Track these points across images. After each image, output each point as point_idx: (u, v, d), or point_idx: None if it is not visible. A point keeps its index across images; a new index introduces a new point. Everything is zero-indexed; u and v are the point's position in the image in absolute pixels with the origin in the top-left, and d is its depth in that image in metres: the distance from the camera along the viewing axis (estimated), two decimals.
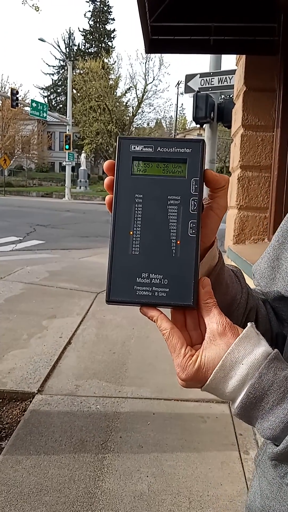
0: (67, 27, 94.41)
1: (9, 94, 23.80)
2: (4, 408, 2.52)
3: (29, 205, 20.37)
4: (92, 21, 51.46)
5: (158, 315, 0.53)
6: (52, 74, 55.53)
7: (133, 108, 37.27)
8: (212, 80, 7.95)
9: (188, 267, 0.51)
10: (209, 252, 0.58)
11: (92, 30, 51.41)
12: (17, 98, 22.95)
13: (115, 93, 36.05)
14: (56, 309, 4.25)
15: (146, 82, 35.87)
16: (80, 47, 52.76)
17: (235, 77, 4.15)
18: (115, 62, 46.54)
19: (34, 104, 25.05)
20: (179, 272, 0.52)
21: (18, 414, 2.46)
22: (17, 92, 23.62)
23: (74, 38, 68.06)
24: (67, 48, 53.75)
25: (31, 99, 26.28)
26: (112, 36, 52.08)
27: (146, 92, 36.06)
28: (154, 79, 41.97)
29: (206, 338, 0.51)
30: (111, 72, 37.13)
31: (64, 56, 47.61)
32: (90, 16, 51.66)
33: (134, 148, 0.53)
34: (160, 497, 1.86)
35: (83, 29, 54.07)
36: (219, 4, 3.26)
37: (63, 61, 50.56)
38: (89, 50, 50.99)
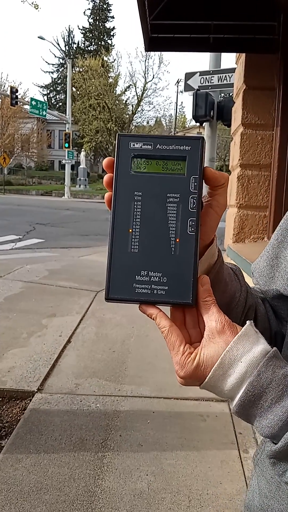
0: (67, 25, 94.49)
1: (8, 92, 23.75)
2: (4, 406, 2.52)
3: (28, 203, 20.36)
4: (91, 19, 51.38)
5: (157, 313, 0.53)
6: (52, 72, 55.47)
7: (132, 106, 37.28)
8: (212, 78, 7.94)
9: (187, 265, 0.51)
10: (208, 250, 0.58)
11: (91, 28, 51.33)
12: (16, 96, 22.91)
13: (114, 91, 36.03)
14: (55, 308, 4.25)
15: (145, 80, 35.89)
16: (79, 45, 52.71)
17: (235, 75, 4.15)
18: (114, 60, 46.57)
19: (33, 102, 25.01)
20: (178, 270, 0.51)
21: (18, 412, 2.46)
22: (17, 90, 23.59)
23: (73, 36, 67.92)
24: (67, 46, 53.71)
25: (31, 97, 26.23)
26: (111, 34, 52.02)
27: (146, 90, 36.07)
28: (153, 77, 42.01)
29: (205, 336, 0.51)
30: (111, 70, 37.11)
31: (63, 54, 47.58)
32: (89, 14, 51.59)
33: (134, 145, 0.53)
34: (159, 495, 1.86)
35: (83, 27, 54.00)
36: (219, 2, 3.25)
37: (62, 59, 50.49)
38: (89, 48, 50.91)
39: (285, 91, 3.36)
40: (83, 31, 51.89)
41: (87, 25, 51.84)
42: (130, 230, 0.52)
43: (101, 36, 51.19)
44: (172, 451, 2.15)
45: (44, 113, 25.82)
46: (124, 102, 37.59)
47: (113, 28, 52.53)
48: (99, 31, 51.09)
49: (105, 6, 51.03)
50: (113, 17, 56.44)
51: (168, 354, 0.53)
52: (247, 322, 0.51)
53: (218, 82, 7.88)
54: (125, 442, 2.21)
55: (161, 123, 44.74)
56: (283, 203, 3.46)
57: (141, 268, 0.52)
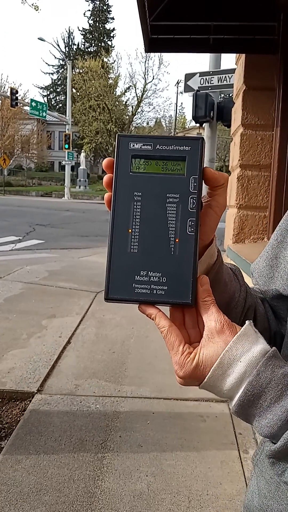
0: (67, 26, 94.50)
1: (8, 93, 23.79)
2: (3, 407, 2.52)
3: (28, 204, 20.36)
4: (91, 20, 51.46)
5: (156, 313, 0.53)
6: (52, 74, 55.56)
7: (132, 107, 37.28)
8: (212, 79, 7.95)
9: (187, 265, 0.51)
10: (208, 250, 0.58)
11: (91, 29, 51.40)
12: (16, 97, 22.93)
13: (114, 92, 36.04)
14: (55, 309, 4.25)
15: (145, 81, 35.87)
16: (79, 46, 52.78)
17: (235, 76, 4.15)
18: (114, 61, 46.57)
19: (33, 104, 25.03)
20: (177, 270, 0.51)
21: (17, 413, 2.46)
22: (17, 92, 23.62)
23: (73, 37, 68.14)
24: (67, 47, 53.76)
25: (31, 99, 26.27)
26: (111, 35, 52.09)
27: (146, 91, 36.06)
28: (153, 78, 41.96)
29: (204, 336, 0.51)
30: (111, 71, 37.12)
31: (63, 56, 47.63)
32: (89, 15, 51.68)
33: (133, 146, 0.53)
34: (159, 496, 1.86)
35: (83, 28, 54.12)
36: (219, 3, 3.25)
37: (62, 61, 50.56)
38: (89, 49, 50.98)
39: (285, 91, 3.36)
40: (83, 33, 51.98)
41: (87, 27, 51.98)
42: (130, 230, 0.52)
43: (101, 37, 51.26)
44: (172, 451, 2.15)
45: (44, 114, 25.84)
46: (124, 103, 37.61)
47: (113, 29, 52.63)
48: (99, 33, 51.16)
49: (105, 8, 51.11)
50: (113, 18, 56.62)
51: (168, 355, 0.53)
52: (246, 322, 0.51)
53: (218, 82, 7.89)
54: (125, 443, 2.21)
55: (161, 124, 44.77)
56: (283, 203, 3.46)
57: (141, 268, 0.52)
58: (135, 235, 0.52)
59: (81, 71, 35.33)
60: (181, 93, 37.01)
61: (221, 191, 0.55)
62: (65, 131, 29.82)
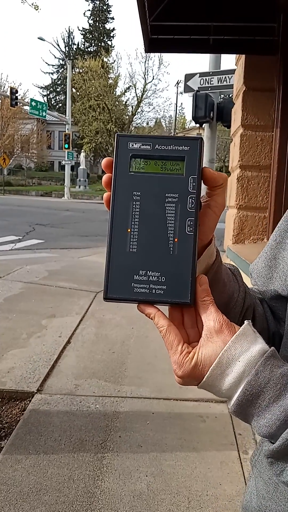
0: (67, 26, 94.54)
1: (8, 93, 23.78)
2: (3, 407, 2.52)
3: (28, 204, 20.36)
4: (91, 20, 51.47)
5: (155, 313, 0.53)
6: (52, 73, 55.58)
7: (132, 107, 37.30)
8: (212, 79, 7.95)
9: (186, 265, 0.51)
10: (207, 250, 0.58)
11: (91, 29, 51.41)
12: (16, 97, 22.92)
13: (114, 92, 36.05)
14: (55, 309, 4.25)
15: (145, 81, 35.89)
16: (79, 46, 52.80)
17: (235, 76, 4.15)
18: (114, 61, 46.53)
19: (33, 103, 25.02)
20: (176, 270, 0.52)
21: (17, 413, 2.46)
22: (17, 91, 23.60)
23: (73, 37, 68.19)
24: (67, 47, 53.78)
25: (31, 98, 26.26)
26: (111, 35, 52.11)
27: (146, 91, 36.08)
28: (153, 79, 41.99)
29: (203, 336, 0.51)
30: (111, 71, 37.14)
31: (63, 55, 47.65)
32: (89, 15, 51.69)
33: (132, 145, 0.53)
34: (159, 496, 1.86)
35: (83, 28, 54.13)
36: (219, 4, 3.25)
37: (62, 60, 50.58)
38: (89, 49, 51.00)
39: (285, 92, 3.37)
40: (83, 32, 52.00)
41: (87, 26, 52.01)
42: (129, 230, 0.52)
43: (101, 37, 51.28)
44: (171, 452, 2.15)
45: (44, 114, 25.83)
46: (124, 103, 37.63)
47: (113, 29, 52.65)
48: (99, 32, 51.17)
49: (105, 7, 51.13)
50: (113, 18, 56.64)
51: (167, 355, 0.53)
52: (245, 321, 0.51)
53: (218, 83, 7.90)
54: (125, 443, 2.21)
55: (161, 124, 44.79)
56: (282, 204, 3.46)
57: (140, 268, 0.52)
58: (134, 235, 0.52)
59: (81, 71, 35.33)
60: (181, 93, 37.05)
61: (220, 191, 0.56)
62: (65, 131, 29.81)
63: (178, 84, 36.92)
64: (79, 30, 62.25)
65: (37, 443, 2.17)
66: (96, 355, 3.22)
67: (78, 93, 35.03)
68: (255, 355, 0.49)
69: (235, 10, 3.26)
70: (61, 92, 52.53)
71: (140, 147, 0.53)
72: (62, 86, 50.50)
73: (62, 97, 51.35)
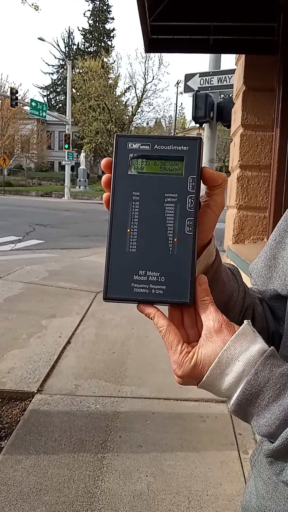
0: (67, 26, 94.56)
1: (8, 93, 23.79)
2: (3, 407, 2.52)
3: (28, 204, 20.37)
4: (91, 20, 51.48)
5: (155, 312, 0.53)
6: (52, 74, 55.57)
7: (132, 108, 37.31)
8: (212, 79, 7.95)
9: (185, 265, 0.51)
10: (206, 249, 0.58)
11: (91, 29, 51.42)
12: (16, 97, 22.94)
13: (114, 93, 36.07)
14: (55, 309, 4.25)
15: (145, 81, 35.90)
16: (79, 46, 52.81)
17: (235, 76, 4.15)
18: (114, 61, 46.58)
19: (33, 104, 25.03)
20: (176, 270, 0.52)
21: (17, 413, 2.46)
22: (17, 92, 23.62)
23: (73, 37, 68.20)
24: (67, 47, 53.79)
25: (31, 99, 26.27)
26: (111, 35, 52.12)
27: (146, 91, 36.08)
28: (153, 79, 42.02)
29: (203, 335, 0.51)
30: (111, 71, 37.15)
31: (63, 55, 47.66)
32: (89, 15, 51.70)
33: (132, 146, 0.53)
34: (159, 496, 1.86)
35: (83, 28, 54.15)
36: (219, 4, 3.26)
37: (62, 60, 50.58)
38: (89, 49, 51.01)
39: (285, 92, 3.37)
40: (83, 33, 52.00)
41: (87, 27, 52.01)
42: (128, 230, 0.52)
43: (101, 38, 51.28)
44: (171, 452, 2.15)
45: (44, 114, 25.84)
46: (124, 103, 37.64)
47: (113, 29, 52.64)
48: (99, 33, 51.18)
49: (105, 8, 51.14)
50: (113, 19, 56.66)
51: (167, 355, 0.53)
52: (245, 321, 0.51)
53: (218, 83, 7.90)
54: (125, 443, 2.21)
55: (161, 124, 44.79)
56: (282, 204, 3.46)
57: (139, 268, 0.52)
58: (134, 235, 0.52)
59: (81, 71, 35.34)
60: (181, 93, 37.06)
61: (219, 190, 0.56)
62: (65, 131, 29.82)
63: (178, 84, 36.93)
64: (79, 30, 62.38)
65: (37, 443, 2.17)
66: (96, 355, 3.22)
67: (78, 93, 35.04)
68: (255, 354, 0.49)
69: (235, 10, 3.26)
70: (61, 93, 52.54)
71: (139, 147, 0.53)
72: (62, 86, 50.51)
73: (62, 97, 51.36)
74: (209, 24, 3.39)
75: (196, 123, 8.89)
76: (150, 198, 0.52)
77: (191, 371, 0.50)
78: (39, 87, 59.41)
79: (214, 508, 1.81)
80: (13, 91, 22.74)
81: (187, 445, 2.22)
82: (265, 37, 3.38)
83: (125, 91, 37.04)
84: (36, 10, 12.74)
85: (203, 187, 0.55)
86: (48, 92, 54.82)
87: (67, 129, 29.35)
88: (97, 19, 51.05)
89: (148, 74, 48.27)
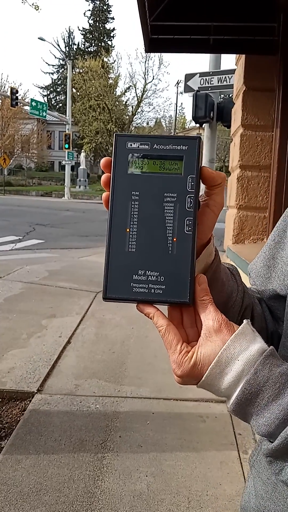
0: (67, 26, 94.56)
1: (8, 93, 23.80)
2: (3, 407, 2.52)
3: (28, 204, 20.37)
4: (91, 20, 51.48)
5: (154, 312, 0.53)
6: (52, 73, 55.59)
7: (132, 107, 37.34)
8: (212, 79, 7.95)
9: (185, 264, 0.51)
10: (206, 249, 0.58)
11: (91, 29, 51.42)
12: (16, 97, 22.94)
13: (114, 92, 36.08)
14: (55, 309, 4.25)
15: (145, 81, 35.95)
16: (79, 46, 52.81)
17: (235, 76, 4.15)
18: (114, 61, 46.61)
19: (33, 103, 25.04)
20: (175, 269, 0.52)
21: (17, 413, 2.46)
22: (17, 91, 23.61)
23: (73, 37, 68.17)
24: (67, 47, 53.79)
25: (31, 98, 26.28)
26: (111, 35, 52.12)
27: (146, 91, 36.12)
28: (153, 78, 42.06)
29: (202, 335, 0.51)
30: (111, 71, 37.18)
31: (63, 55, 47.61)
32: (89, 15, 51.70)
33: (131, 145, 0.53)
34: (159, 496, 1.86)
35: (83, 28, 54.14)
36: (219, 4, 3.26)
37: (62, 60, 50.58)
38: (89, 49, 51.01)
39: (285, 92, 3.37)
40: (83, 32, 52.00)
41: (87, 26, 52.01)
42: (128, 230, 0.52)
43: (101, 37, 51.28)
44: (171, 452, 2.15)
45: (44, 114, 25.85)
46: (124, 103, 37.66)
47: (113, 29, 52.67)
48: (99, 32, 51.18)
49: (105, 8, 51.13)
50: (113, 18, 56.64)
51: (167, 355, 0.53)
52: (244, 321, 0.51)
53: (218, 83, 7.89)
54: (125, 443, 2.21)
55: (161, 124, 44.79)
56: (282, 204, 3.46)
57: (139, 268, 0.52)
58: (133, 235, 0.52)
59: (81, 71, 35.36)
60: (181, 93, 37.06)
61: (219, 190, 0.56)
62: (65, 131, 29.82)
63: (178, 84, 36.95)
64: (79, 30, 62.34)
65: (37, 443, 2.17)
66: (96, 355, 3.22)
67: (78, 93, 35.06)
68: (254, 354, 0.49)
69: (235, 10, 3.26)
70: (61, 92, 52.55)
71: (138, 146, 0.53)
72: (62, 86, 50.51)
73: (62, 97, 51.37)
74: (209, 24, 3.38)
75: (196, 123, 8.89)
76: (149, 197, 0.52)
77: (191, 371, 0.50)
78: (39, 87, 59.44)
79: (214, 508, 1.81)
80: (13, 91, 22.75)
81: (187, 445, 2.21)
82: (265, 37, 3.39)
83: (125, 91, 37.10)
84: (36, 10, 12.76)
85: (202, 186, 0.55)
86: (48, 92, 54.83)
87: (67, 129, 29.35)
88: (97, 19, 51.05)
89: (148, 74, 48.33)
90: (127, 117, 36.93)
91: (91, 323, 3.92)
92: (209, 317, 0.51)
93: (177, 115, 45.97)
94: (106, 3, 51.03)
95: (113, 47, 51.17)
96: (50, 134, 43.24)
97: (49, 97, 54.37)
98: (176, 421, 2.41)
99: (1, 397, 2.61)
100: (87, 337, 3.58)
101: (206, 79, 7.99)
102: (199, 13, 3.31)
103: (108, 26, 51.83)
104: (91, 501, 1.81)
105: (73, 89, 33.31)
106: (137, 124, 38.34)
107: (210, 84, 7.93)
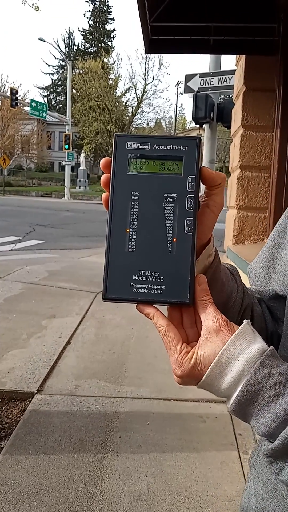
0: (67, 27, 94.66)
1: (8, 93, 23.81)
2: (3, 408, 2.52)
3: (28, 204, 20.37)
4: (91, 21, 51.52)
5: (154, 312, 0.53)
6: (52, 74, 55.59)
7: (132, 108, 37.36)
8: (212, 80, 7.95)
9: (184, 265, 0.51)
10: (206, 249, 0.58)
11: (91, 30, 51.45)
12: (16, 97, 22.96)
13: (114, 93, 36.11)
14: (55, 309, 4.25)
15: (145, 82, 35.96)
16: (79, 47, 52.83)
17: (235, 77, 4.15)
18: (114, 62, 46.64)
19: (33, 104, 25.06)
20: (175, 270, 0.52)
21: (17, 414, 2.46)
22: (17, 92, 23.64)
23: (73, 38, 68.24)
24: (67, 48, 53.81)
25: (31, 99, 26.30)
26: (111, 36, 52.14)
27: (146, 92, 36.14)
28: (153, 79, 42.11)
29: (202, 335, 0.51)
30: (111, 72, 37.21)
31: (63, 56, 47.61)
32: (89, 16, 51.74)
33: (131, 145, 0.53)
34: (159, 497, 1.86)
35: (83, 29, 54.19)
36: (219, 4, 3.26)
37: (62, 61, 50.60)
38: (89, 50, 51.04)
39: (285, 92, 3.37)
40: (83, 33, 52.03)
41: (87, 27, 52.04)
42: (127, 230, 0.52)
43: (101, 38, 51.31)
44: (171, 452, 2.15)
45: (44, 114, 25.87)
46: (124, 103, 37.68)
47: (113, 30, 52.58)
48: (99, 33, 51.21)
49: (105, 8, 51.17)
50: (113, 19, 56.54)
51: (167, 355, 0.53)
52: (244, 321, 0.51)
53: (218, 84, 7.90)
54: (125, 443, 2.21)
55: (161, 124, 44.80)
56: (283, 204, 3.46)
57: (138, 268, 0.52)
58: (133, 235, 0.52)
59: (81, 71, 35.39)
60: (181, 94, 37.08)
61: (218, 190, 0.56)
62: (65, 132, 29.84)
63: (178, 84, 36.97)
64: (79, 31, 62.45)
65: (37, 443, 2.17)
66: (96, 356, 3.22)
67: (78, 94, 35.08)
68: (254, 354, 0.49)
69: (235, 10, 3.26)
70: (61, 93, 52.57)
71: (138, 147, 0.53)
72: (62, 86, 50.53)
73: (62, 97, 51.38)
74: (210, 24, 3.39)
75: (196, 124, 8.89)
76: (149, 198, 0.52)
77: (191, 371, 0.50)
78: (39, 88, 59.44)
79: (214, 508, 1.81)
80: (13, 92, 22.76)
81: (187, 445, 2.21)
82: (265, 37, 3.39)
83: (125, 92, 37.13)
84: (37, 10, 12.78)
85: (202, 187, 0.55)
86: (48, 93, 54.85)
87: (67, 130, 29.38)
88: (97, 19, 51.08)
89: (148, 75, 48.27)
90: (127, 117, 36.96)
91: (91, 323, 3.92)
92: (209, 317, 0.51)
93: (177, 116, 46.02)
94: (106, 4, 51.08)
95: (113, 48, 51.30)
96: (50, 135, 43.27)
97: (49, 97, 54.41)
98: (176, 422, 2.41)
99: (1, 398, 2.61)
100: (87, 338, 3.58)
101: (206, 79, 7.99)
102: (199, 13, 3.31)
103: (108, 27, 51.90)
104: (91, 502, 1.81)
105: (73, 89, 33.34)
106: (137, 125, 38.37)
107: (210, 84, 7.94)
